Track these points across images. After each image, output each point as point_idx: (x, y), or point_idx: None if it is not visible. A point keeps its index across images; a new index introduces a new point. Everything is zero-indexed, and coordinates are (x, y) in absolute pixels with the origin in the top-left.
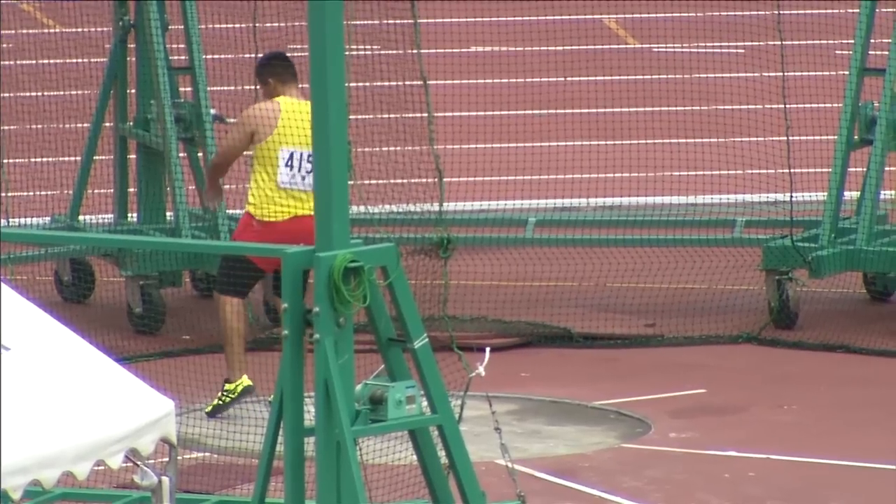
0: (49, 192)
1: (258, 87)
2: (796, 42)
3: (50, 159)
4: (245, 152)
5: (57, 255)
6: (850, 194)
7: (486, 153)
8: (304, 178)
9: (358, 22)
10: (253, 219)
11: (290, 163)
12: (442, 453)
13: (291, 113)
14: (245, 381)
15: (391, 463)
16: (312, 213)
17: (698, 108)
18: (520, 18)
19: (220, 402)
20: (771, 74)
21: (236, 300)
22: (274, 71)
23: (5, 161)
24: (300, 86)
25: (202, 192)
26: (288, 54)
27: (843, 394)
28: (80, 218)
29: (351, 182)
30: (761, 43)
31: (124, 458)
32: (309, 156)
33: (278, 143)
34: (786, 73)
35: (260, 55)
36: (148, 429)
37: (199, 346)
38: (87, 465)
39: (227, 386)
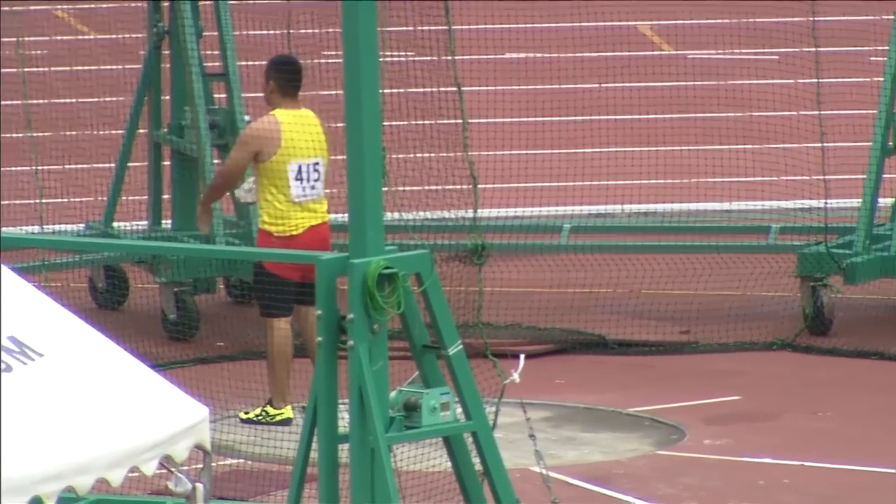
0: (83, 199)
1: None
2: (831, 49)
3: (84, 166)
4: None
5: (91, 261)
6: (885, 201)
7: (521, 159)
8: (312, 187)
9: (392, 28)
10: (271, 236)
11: (299, 176)
12: (476, 460)
13: (292, 125)
14: (287, 412)
15: (425, 469)
16: (325, 220)
17: (733, 114)
18: (554, 25)
19: (256, 419)
20: (805, 81)
21: (283, 322)
22: (279, 80)
23: (40, 168)
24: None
25: (235, 198)
26: (320, 61)
27: (878, 400)
28: (115, 224)
29: (385, 189)
30: (796, 49)
31: (158, 465)
32: (315, 164)
33: (285, 158)
34: (820, 80)
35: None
36: (182, 435)
37: (234, 352)
38: (121, 471)
39: (270, 410)
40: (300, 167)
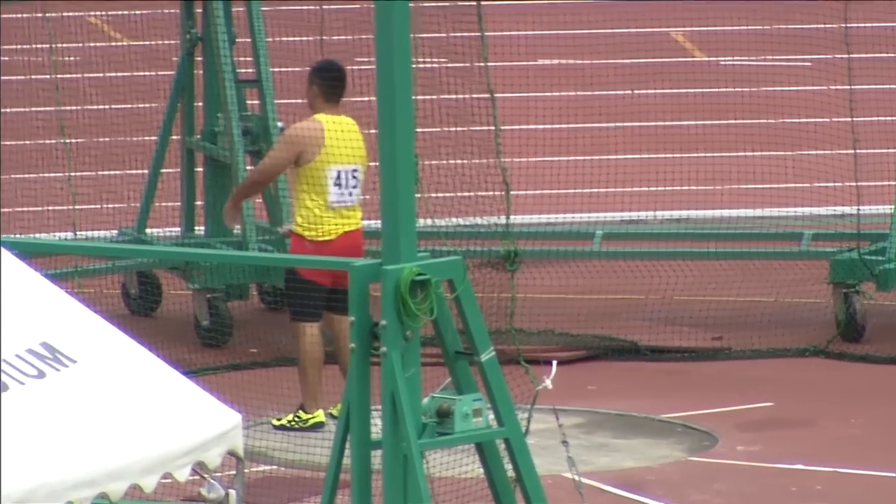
0: (116, 205)
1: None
2: (864, 55)
3: (117, 172)
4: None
5: (124, 268)
6: None
7: (553, 166)
8: (350, 193)
9: (425, 35)
10: (304, 240)
11: (338, 181)
12: (509, 466)
13: (334, 132)
14: (319, 416)
15: (458, 476)
16: (359, 226)
17: (765, 120)
18: (587, 31)
19: (289, 425)
20: (838, 87)
21: (313, 327)
22: (323, 84)
23: (73, 174)
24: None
25: (269, 205)
26: (353, 67)
27: None
28: (148, 231)
29: (418, 195)
30: (829, 56)
31: (191, 471)
32: (353, 171)
33: (326, 162)
34: (853, 86)
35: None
36: (215, 441)
37: (266, 358)
38: (154, 477)
39: (302, 414)
40: (339, 172)
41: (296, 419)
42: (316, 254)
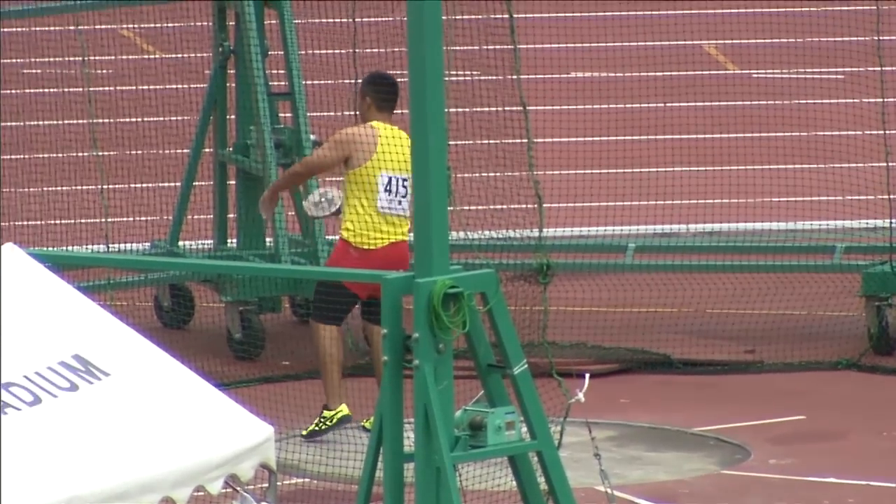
0: (149, 218)
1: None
2: None
3: (150, 185)
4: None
5: (157, 280)
6: None
7: (586, 179)
8: (400, 202)
9: (458, 47)
10: (350, 246)
11: (388, 188)
12: (541, 479)
13: (388, 138)
14: (344, 409)
15: (491, 489)
16: (407, 238)
17: (797, 133)
18: (619, 44)
19: (317, 428)
20: (870, 100)
21: (332, 327)
22: (377, 94)
23: (106, 186)
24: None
25: (302, 218)
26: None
27: None
28: (180, 243)
29: (451, 208)
30: (861, 69)
31: (224, 484)
32: (404, 181)
33: (378, 168)
34: (886, 99)
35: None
36: (247, 454)
37: (299, 371)
38: (186, 490)
39: (326, 413)
40: (391, 179)
41: (321, 420)
42: (360, 261)
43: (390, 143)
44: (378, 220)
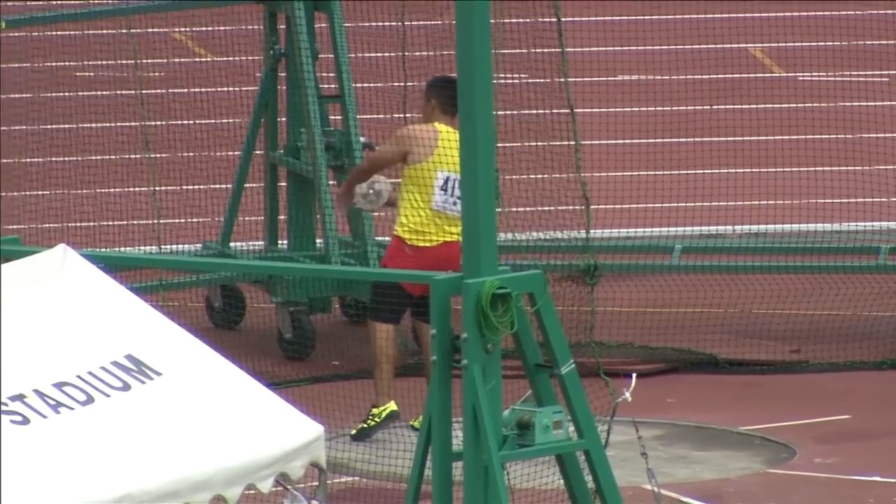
0: (200, 219)
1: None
2: None
3: (201, 186)
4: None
5: (208, 281)
6: None
7: (633, 180)
8: (455, 203)
9: (506, 51)
10: (404, 244)
11: (444, 186)
12: (589, 478)
13: (447, 140)
14: (391, 406)
15: (538, 487)
16: (459, 240)
17: (843, 136)
18: (666, 47)
19: (365, 426)
20: None
21: (388, 326)
22: (441, 96)
23: (158, 188)
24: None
25: (352, 219)
26: None
27: None
28: (231, 245)
29: (499, 210)
30: None
31: (274, 483)
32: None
33: (436, 166)
34: None
35: (441, 75)
36: (298, 453)
37: (348, 371)
38: (237, 489)
39: (374, 410)
40: (448, 178)
41: (370, 417)
42: (413, 258)
43: (451, 143)
44: (432, 217)
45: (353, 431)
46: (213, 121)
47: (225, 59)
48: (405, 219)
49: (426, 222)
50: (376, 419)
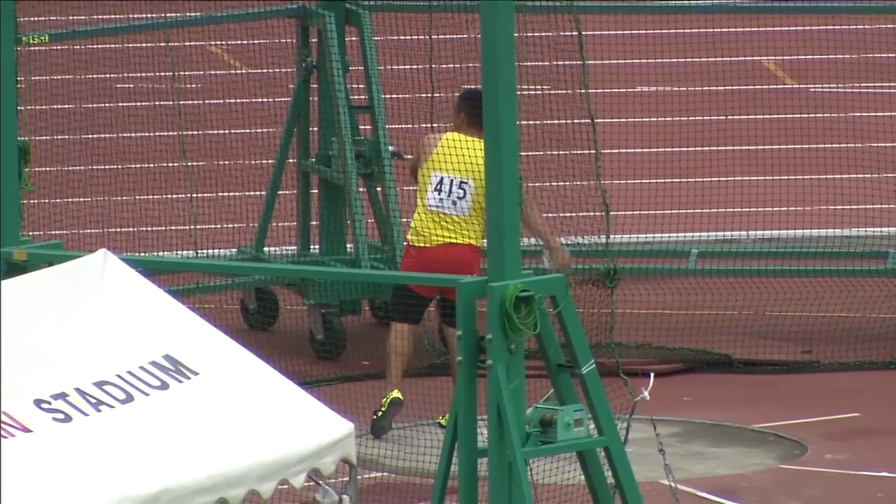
0: (235, 225)
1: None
2: None
3: (236, 193)
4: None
5: (243, 284)
6: None
7: (651, 188)
8: (454, 202)
9: (529, 63)
10: (409, 246)
11: (438, 187)
12: (608, 473)
13: (452, 146)
14: (394, 393)
15: (560, 482)
16: (465, 242)
17: (853, 145)
18: (683, 60)
19: (375, 418)
20: None
21: (405, 326)
22: (470, 110)
23: (195, 195)
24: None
25: (380, 224)
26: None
27: None
28: (265, 249)
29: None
30: None
31: (307, 478)
32: (461, 182)
33: (430, 168)
34: None
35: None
36: (329, 450)
37: (378, 371)
38: (271, 484)
39: (383, 401)
40: (442, 179)
41: (378, 410)
42: (415, 259)
43: (452, 147)
44: (427, 217)
45: (370, 429)
46: (247, 130)
47: (259, 71)
48: (412, 222)
49: (424, 223)
50: (382, 409)
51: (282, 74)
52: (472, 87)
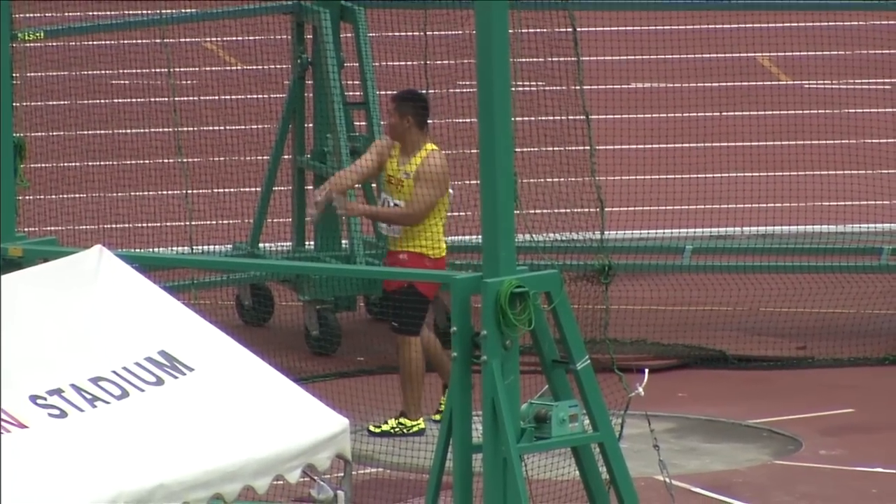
0: (231, 221)
1: (400, 118)
2: None
3: (231, 190)
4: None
5: (238, 280)
6: None
7: (646, 184)
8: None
9: (524, 59)
10: (425, 258)
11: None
12: (603, 469)
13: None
14: (422, 423)
15: (555, 478)
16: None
17: (847, 141)
18: (677, 56)
19: (391, 431)
20: None
21: (417, 339)
22: (416, 112)
23: (190, 191)
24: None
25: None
26: (455, 90)
27: None
28: (260, 245)
29: (517, 212)
30: None
31: (301, 473)
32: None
33: (449, 189)
34: None
35: (408, 90)
36: (324, 445)
37: (372, 367)
38: (266, 479)
39: (404, 420)
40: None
41: (399, 426)
42: (434, 268)
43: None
44: (441, 235)
45: (375, 429)
46: (242, 127)
47: (254, 67)
48: (427, 241)
49: (439, 239)
50: (405, 430)
51: (277, 71)
52: (409, 88)
